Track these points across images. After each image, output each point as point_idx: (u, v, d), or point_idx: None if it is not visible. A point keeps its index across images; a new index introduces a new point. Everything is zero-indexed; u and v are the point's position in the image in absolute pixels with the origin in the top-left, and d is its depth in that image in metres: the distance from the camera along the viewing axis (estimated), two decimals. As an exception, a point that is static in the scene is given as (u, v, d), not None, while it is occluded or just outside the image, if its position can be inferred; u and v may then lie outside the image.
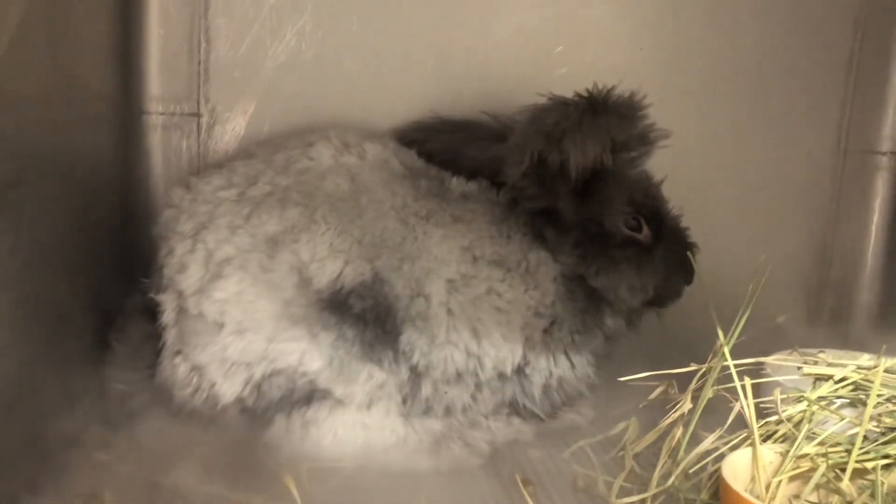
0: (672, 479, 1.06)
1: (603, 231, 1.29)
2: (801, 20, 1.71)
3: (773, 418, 1.06)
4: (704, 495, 1.05)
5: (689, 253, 1.33)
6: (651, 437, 1.19)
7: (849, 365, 1.11)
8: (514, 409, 1.31)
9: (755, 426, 1.02)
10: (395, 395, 1.22)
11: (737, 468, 1.00)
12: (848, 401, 1.06)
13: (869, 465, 0.97)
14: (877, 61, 1.77)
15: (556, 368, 1.31)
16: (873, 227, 1.83)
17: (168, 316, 1.22)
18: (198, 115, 1.53)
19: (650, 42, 1.66)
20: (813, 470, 0.99)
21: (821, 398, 1.06)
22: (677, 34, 1.67)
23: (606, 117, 1.19)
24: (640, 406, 1.24)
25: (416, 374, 1.22)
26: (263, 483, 1.09)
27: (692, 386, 1.14)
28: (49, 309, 1.12)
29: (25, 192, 1.02)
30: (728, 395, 1.08)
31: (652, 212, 1.34)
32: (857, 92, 1.77)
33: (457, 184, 1.32)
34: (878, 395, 1.04)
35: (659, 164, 1.34)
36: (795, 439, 1.01)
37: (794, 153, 1.76)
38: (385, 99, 1.56)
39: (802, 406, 1.06)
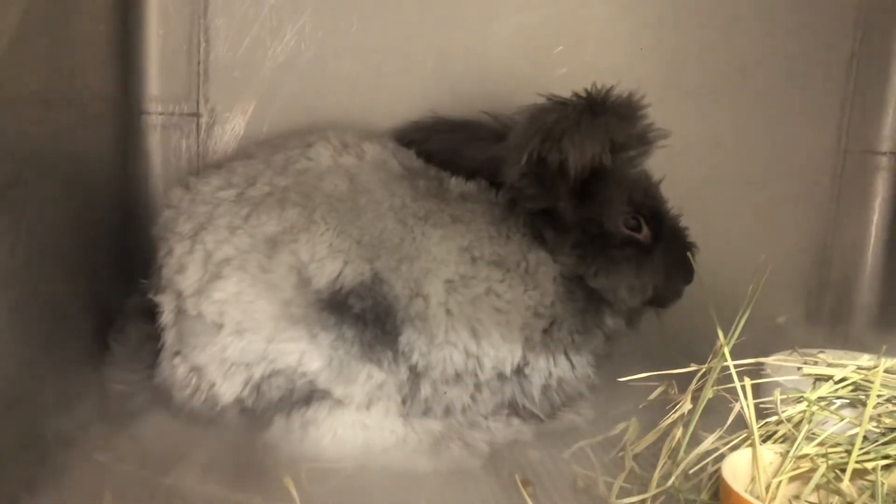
0: (672, 479, 1.06)
1: (602, 231, 1.29)
2: (801, 20, 1.71)
3: (773, 419, 1.06)
4: (704, 496, 1.05)
5: (688, 253, 1.33)
6: (651, 437, 1.19)
7: (849, 365, 1.11)
8: (514, 409, 1.31)
9: (755, 427, 1.02)
10: (395, 396, 1.22)
11: (737, 469, 1.00)
12: (848, 401, 1.06)
13: (869, 465, 0.97)
14: (877, 61, 1.77)
15: (556, 369, 1.31)
16: (873, 227, 1.83)
17: (167, 316, 1.22)
18: (197, 115, 1.53)
19: (650, 42, 1.66)
20: (813, 470, 0.98)
21: (821, 398, 1.06)
22: (677, 34, 1.67)
23: (605, 117, 1.19)
24: (640, 406, 1.23)
25: (415, 375, 1.22)
26: (263, 483, 1.09)
27: (692, 386, 1.14)
28: (48, 309, 1.12)
29: (25, 192, 1.02)
30: (728, 395, 1.07)
31: (651, 212, 1.34)
32: (857, 92, 1.77)
33: (456, 184, 1.32)
34: (878, 396, 1.03)
35: (659, 164, 1.34)
36: (795, 440, 1.01)
37: (794, 153, 1.76)
38: (385, 99, 1.56)
39: (802, 406, 1.06)
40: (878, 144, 1.80)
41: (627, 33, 1.65)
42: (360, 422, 1.20)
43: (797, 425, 1.04)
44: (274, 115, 1.54)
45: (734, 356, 1.08)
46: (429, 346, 1.21)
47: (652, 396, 1.23)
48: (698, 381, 1.13)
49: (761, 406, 1.07)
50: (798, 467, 1.00)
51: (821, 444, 1.00)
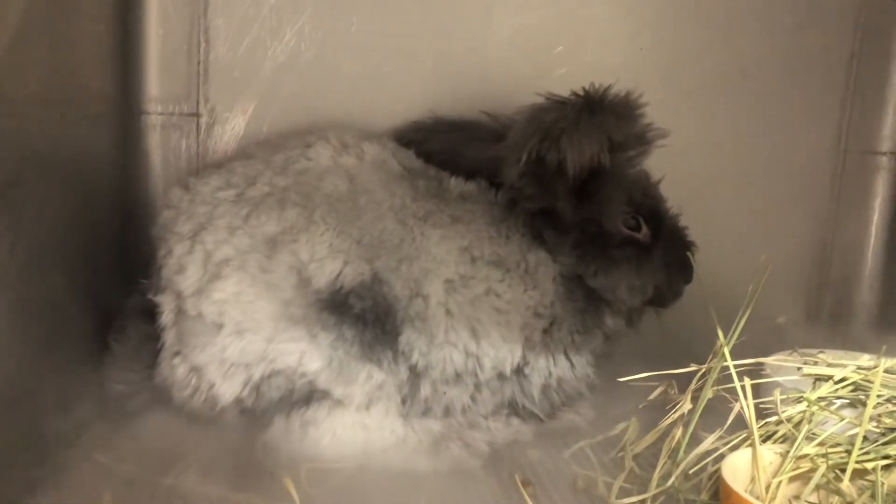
0: (672, 479, 1.06)
1: (602, 231, 1.29)
2: (801, 20, 1.71)
3: (773, 419, 1.06)
4: (704, 496, 1.05)
5: (688, 252, 1.33)
6: (651, 437, 1.19)
7: (849, 365, 1.11)
8: (514, 409, 1.31)
9: (755, 427, 1.02)
10: (395, 396, 1.22)
11: (737, 469, 1.00)
12: (848, 401, 1.06)
13: (869, 465, 0.97)
14: (877, 61, 1.77)
15: (556, 369, 1.31)
16: (873, 227, 1.83)
17: (167, 317, 1.22)
18: (197, 115, 1.53)
19: (650, 42, 1.66)
20: (813, 470, 0.98)
21: (821, 399, 1.06)
22: (677, 34, 1.67)
23: (603, 116, 1.19)
24: (640, 406, 1.23)
25: (415, 375, 1.22)
26: (263, 484, 1.09)
27: (692, 386, 1.14)
28: (48, 309, 1.12)
29: (24, 193, 1.02)
30: (728, 395, 1.07)
31: (651, 211, 1.34)
32: (857, 92, 1.77)
33: (455, 184, 1.32)
34: (878, 396, 1.03)
35: (659, 164, 1.34)
36: (795, 440, 1.01)
37: (794, 153, 1.76)
38: (384, 99, 1.56)
39: (802, 406, 1.06)
40: (878, 144, 1.80)
41: (627, 33, 1.65)
42: (359, 422, 1.20)
43: (797, 425, 1.04)
44: (274, 115, 1.54)
45: (734, 356, 1.08)
46: (429, 346, 1.21)
47: (652, 396, 1.23)
48: (698, 381, 1.13)
49: (761, 406, 1.07)
50: (798, 467, 1.00)
51: (821, 444, 1.00)
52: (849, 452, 0.98)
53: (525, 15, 1.61)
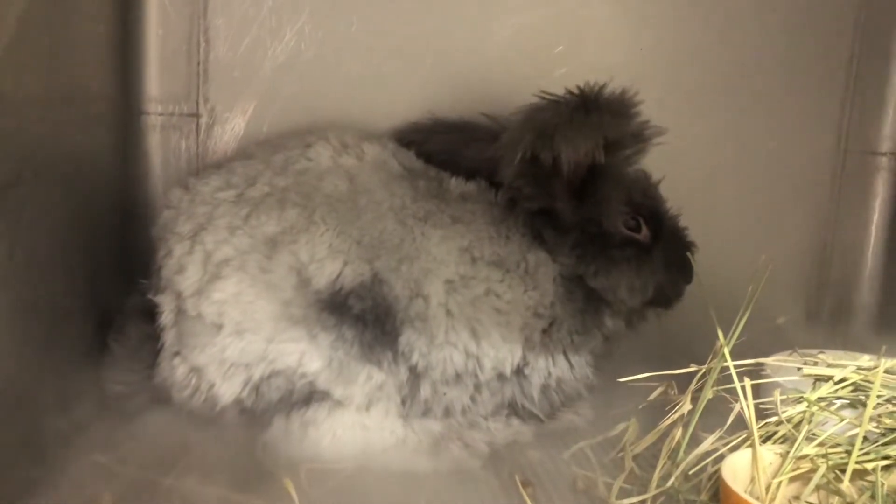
0: (672, 480, 1.06)
1: (602, 231, 1.29)
2: (800, 20, 1.71)
3: (773, 419, 1.06)
4: (704, 496, 1.04)
5: (688, 253, 1.33)
6: (651, 438, 1.19)
7: (848, 366, 1.11)
8: (514, 409, 1.31)
9: (755, 427, 1.02)
10: (395, 396, 1.22)
11: (737, 469, 1.00)
12: (848, 402, 1.06)
13: (869, 465, 0.97)
14: (877, 61, 1.77)
15: (555, 369, 1.31)
16: (873, 227, 1.83)
17: (167, 317, 1.22)
18: (197, 115, 1.53)
19: (650, 42, 1.66)
20: (813, 471, 0.98)
21: (820, 399, 1.06)
22: (677, 34, 1.67)
23: (598, 114, 1.19)
24: (640, 407, 1.23)
25: (415, 375, 1.22)
26: (262, 484, 1.09)
27: (692, 387, 1.14)
28: (48, 310, 1.12)
29: (24, 193, 1.02)
30: (728, 396, 1.07)
31: (651, 212, 1.34)
32: (857, 92, 1.77)
33: (455, 184, 1.32)
34: (878, 396, 1.03)
35: (658, 164, 1.34)
36: (795, 440, 1.01)
37: (794, 153, 1.76)
38: (385, 99, 1.56)
39: (802, 407, 1.06)
40: (878, 145, 1.80)
41: (627, 33, 1.65)
42: (359, 422, 1.20)
43: (797, 426, 1.04)
44: (274, 116, 1.54)
45: (734, 356, 1.08)
46: (429, 346, 1.21)
47: (652, 397, 1.23)
48: (698, 381, 1.13)
49: (761, 406, 1.07)
50: (798, 468, 1.00)
51: (821, 444, 1.00)
52: (849, 453, 0.98)
53: (525, 15, 1.61)
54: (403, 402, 1.23)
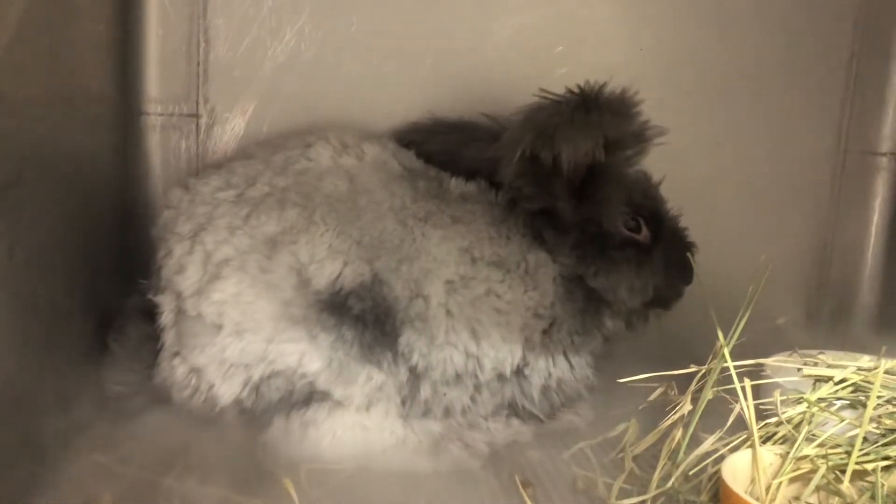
0: (672, 480, 1.06)
1: (602, 232, 1.29)
2: (800, 20, 1.71)
3: (773, 420, 1.06)
4: (704, 497, 1.04)
5: (688, 253, 1.33)
6: (651, 438, 1.19)
7: (848, 366, 1.11)
8: (514, 410, 1.31)
9: (755, 428, 1.02)
10: (394, 397, 1.22)
11: (737, 470, 1.00)
12: (848, 402, 1.06)
13: (869, 466, 0.97)
14: (877, 61, 1.77)
15: (555, 369, 1.31)
16: (873, 228, 1.83)
17: (166, 317, 1.21)
18: (196, 115, 1.53)
19: (650, 42, 1.66)
20: (813, 471, 0.98)
21: (820, 400, 1.06)
22: (677, 34, 1.67)
23: (598, 114, 1.19)
24: (640, 407, 1.23)
25: (415, 376, 1.22)
26: (262, 484, 1.09)
27: (692, 387, 1.14)
28: (47, 310, 1.12)
29: (24, 193, 1.02)
30: (728, 396, 1.07)
31: (651, 212, 1.34)
32: (857, 92, 1.77)
33: (455, 185, 1.32)
34: (878, 397, 1.03)
35: (658, 164, 1.34)
36: (795, 441, 1.01)
37: (794, 153, 1.76)
38: (385, 99, 1.56)
39: (802, 408, 1.06)
40: (877, 145, 1.80)
41: (627, 33, 1.65)
42: (359, 423, 1.20)
43: (797, 426, 1.04)
44: (274, 116, 1.54)
45: (734, 357, 1.08)
46: (429, 347, 1.21)
47: (652, 397, 1.23)
48: (698, 382, 1.13)
49: (761, 407, 1.07)
50: (798, 468, 1.00)
51: (821, 445, 1.00)
52: (849, 453, 0.98)
53: (525, 15, 1.61)
54: (403, 403, 1.23)
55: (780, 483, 0.99)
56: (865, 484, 0.97)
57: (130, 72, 1.48)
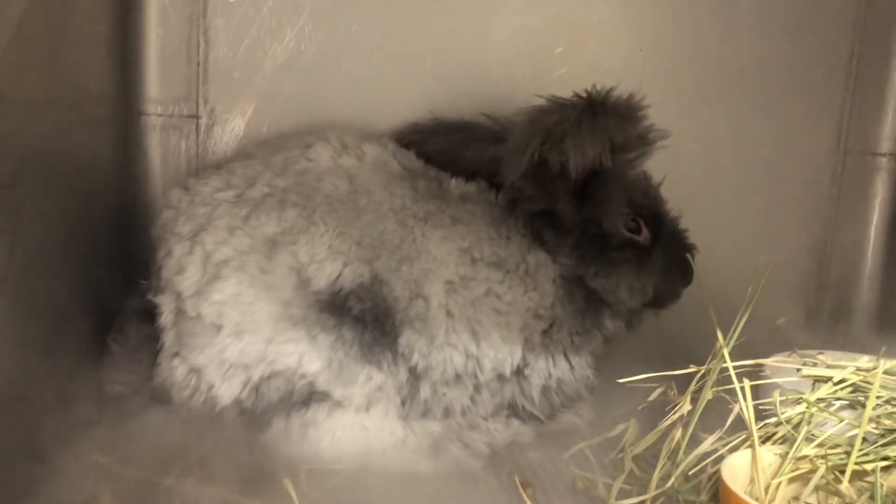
0: (671, 480, 1.06)
1: (602, 232, 1.29)
2: (800, 20, 1.71)
3: (773, 420, 1.06)
4: (704, 497, 1.04)
5: (688, 254, 1.33)
6: (650, 438, 1.19)
7: (848, 367, 1.11)
8: (513, 410, 1.31)
9: (754, 428, 1.02)
10: (394, 397, 1.22)
11: (736, 470, 1.00)
12: (847, 403, 1.06)
13: (868, 466, 0.97)
14: (877, 61, 1.77)
15: (555, 370, 1.31)
16: (873, 228, 1.83)
17: (166, 317, 1.21)
18: (196, 116, 1.53)
19: (650, 43, 1.66)
20: (812, 472, 0.98)
21: (820, 400, 1.06)
22: (677, 35, 1.67)
23: (605, 118, 1.18)
24: (640, 408, 1.23)
25: (414, 376, 1.22)
26: (262, 485, 1.09)
27: (691, 387, 1.14)
28: (47, 310, 1.12)
29: (23, 194, 1.02)
30: (727, 396, 1.07)
31: (651, 213, 1.34)
32: (857, 92, 1.77)
33: (455, 185, 1.32)
34: (878, 397, 1.03)
35: (659, 165, 1.34)
36: (795, 441, 1.01)
37: (793, 153, 1.76)
38: (384, 100, 1.56)
39: (801, 408, 1.06)
40: (877, 145, 1.80)
41: (627, 34, 1.65)
42: (359, 423, 1.20)
43: (796, 427, 1.04)
44: (273, 116, 1.54)
45: (734, 357, 1.08)
46: (429, 347, 1.21)
47: (651, 398, 1.23)
48: (698, 382, 1.13)
49: (761, 407, 1.07)
50: (797, 469, 1.00)
51: (820, 445, 1.00)
52: (848, 454, 0.98)
53: (525, 15, 1.61)
54: (403, 403, 1.23)
55: (780, 483, 0.99)
56: (865, 484, 0.97)
57: (130, 72, 1.48)
